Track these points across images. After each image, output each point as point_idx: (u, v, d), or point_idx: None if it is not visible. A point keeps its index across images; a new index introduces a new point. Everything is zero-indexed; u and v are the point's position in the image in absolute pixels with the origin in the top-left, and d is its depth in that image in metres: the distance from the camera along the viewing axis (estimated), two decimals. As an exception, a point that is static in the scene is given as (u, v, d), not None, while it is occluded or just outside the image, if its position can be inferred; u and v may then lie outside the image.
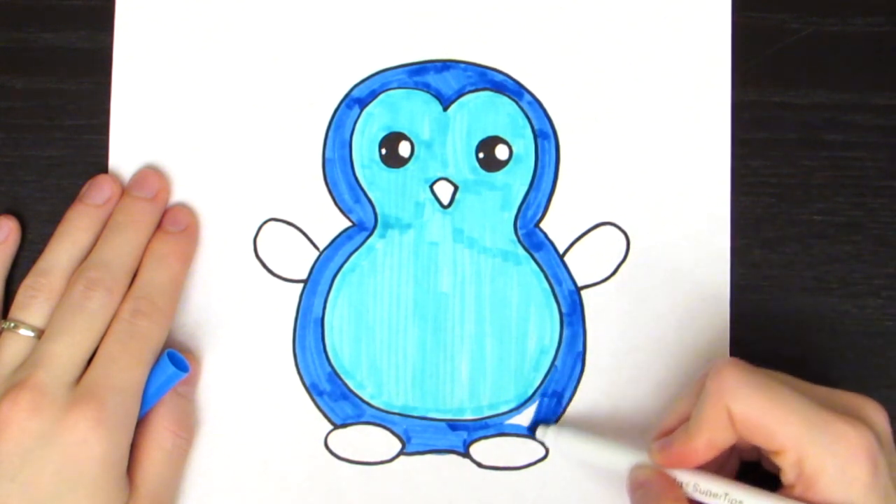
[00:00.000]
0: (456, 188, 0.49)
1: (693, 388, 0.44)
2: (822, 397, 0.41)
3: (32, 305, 0.46)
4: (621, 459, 0.45)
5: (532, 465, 0.49)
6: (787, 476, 0.41)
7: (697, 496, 0.43)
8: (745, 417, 0.41)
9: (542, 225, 0.49)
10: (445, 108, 0.49)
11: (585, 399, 0.49)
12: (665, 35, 0.49)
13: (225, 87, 0.50)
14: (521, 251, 0.49)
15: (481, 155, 0.49)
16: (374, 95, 0.49)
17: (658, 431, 0.45)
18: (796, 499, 0.41)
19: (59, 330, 0.45)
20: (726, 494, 0.42)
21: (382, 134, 0.49)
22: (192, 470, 0.49)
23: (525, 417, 0.49)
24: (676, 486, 0.43)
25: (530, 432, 0.48)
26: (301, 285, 0.49)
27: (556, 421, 0.49)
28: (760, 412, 0.40)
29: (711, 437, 0.42)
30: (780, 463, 0.41)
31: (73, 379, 0.44)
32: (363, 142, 0.49)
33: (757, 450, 0.44)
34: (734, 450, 0.45)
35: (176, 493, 0.48)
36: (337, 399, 0.49)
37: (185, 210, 0.49)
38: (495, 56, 0.50)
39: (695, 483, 0.43)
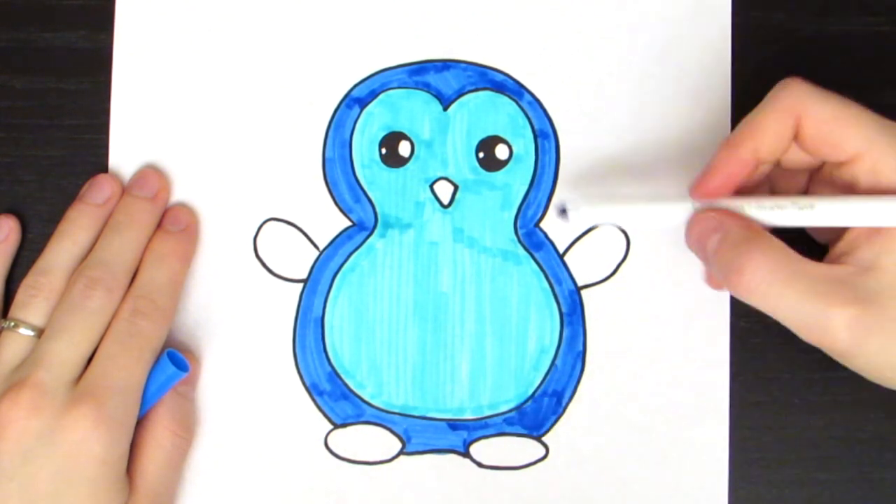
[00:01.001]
0: (456, 188, 0.49)
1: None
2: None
3: (32, 304, 0.46)
4: (672, 213, 0.43)
5: (532, 465, 0.49)
6: (860, 188, 0.40)
7: (763, 215, 0.41)
8: (818, 123, 0.40)
9: (542, 225, 0.49)
10: (445, 108, 0.49)
11: (585, 399, 0.49)
12: (665, 35, 0.49)
13: (225, 86, 0.50)
14: (521, 251, 0.49)
15: (481, 155, 0.49)
16: (374, 95, 0.49)
17: (696, 181, 0.43)
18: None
19: (59, 329, 0.45)
20: (793, 203, 0.41)
21: (382, 134, 0.49)
22: (192, 470, 0.49)
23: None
24: (751, 220, 0.41)
25: (563, 215, 0.43)
26: (301, 285, 0.49)
27: (558, 418, 0.49)
28: (837, 118, 0.40)
29: (764, 140, 0.41)
30: (853, 172, 0.40)
31: (72, 378, 0.44)
32: (363, 141, 0.49)
33: (800, 176, 0.44)
34: (766, 180, 0.45)
35: (176, 493, 0.48)
36: (337, 399, 0.49)
37: (185, 210, 0.49)
38: (495, 56, 0.50)
39: (757, 203, 0.41)
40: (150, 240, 0.48)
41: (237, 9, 0.50)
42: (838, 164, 0.41)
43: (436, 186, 0.49)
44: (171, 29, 0.50)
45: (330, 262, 0.49)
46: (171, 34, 0.50)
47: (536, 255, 0.49)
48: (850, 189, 0.42)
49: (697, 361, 0.48)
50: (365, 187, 0.49)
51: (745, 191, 0.43)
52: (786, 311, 0.40)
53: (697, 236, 0.42)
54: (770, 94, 0.42)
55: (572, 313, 0.49)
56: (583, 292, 0.49)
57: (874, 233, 0.40)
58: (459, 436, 0.49)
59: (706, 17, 0.49)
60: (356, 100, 0.49)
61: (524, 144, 0.49)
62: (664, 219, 0.43)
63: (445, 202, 0.49)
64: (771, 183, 0.46)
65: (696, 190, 0.43)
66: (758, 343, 0.49)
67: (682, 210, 0.43)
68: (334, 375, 0.49)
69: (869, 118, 0.40)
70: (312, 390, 0.49)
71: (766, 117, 0.41)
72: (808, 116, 0.40)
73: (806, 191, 0.45)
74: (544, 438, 0.49)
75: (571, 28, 0.50)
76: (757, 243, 0.40)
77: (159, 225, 0.48)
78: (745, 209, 0.42)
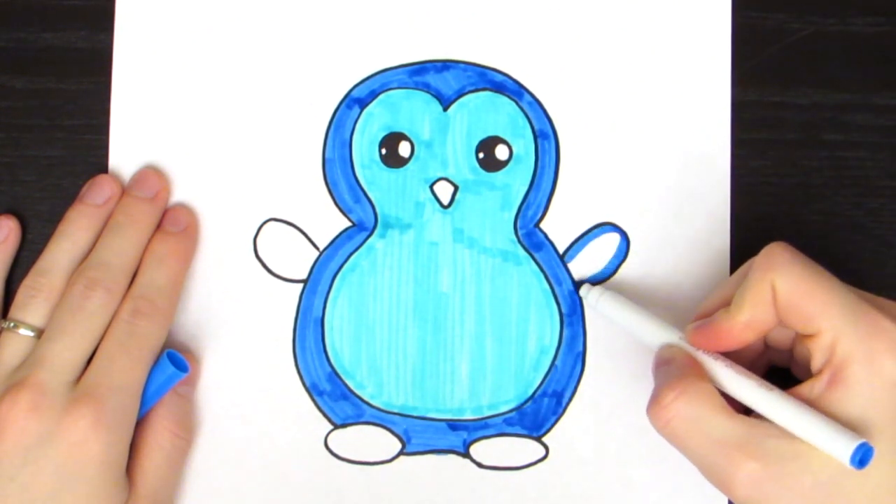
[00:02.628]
0: (456, 188, 0.49)
1: (737, 274, 0.44)
2: (867, 297, 0.41)
3: (32, 305, 0.46)
4: (655, 335, 0.45)
5: (532, 465, 0.49)
6: (816, 361, 0.40)
7: (723, 384, 0.42)
8: (788, 294, 0.40)
9: (542, 225, 0.49)
10: (445, 108, 0.49)
11: (585, 399, 0.49)
12: (665, 35, 0.49)
13: (225, 87, 0.50)
14: (521, 251, 0.49)
15: (481, 155, 0.49)
16: (374, 95, 0.49)
17: (697, 314, 0.44)
18: (817, 396, 0.40)
19: (59, 330, 0.45)
20: (758, 382, 0.41)
21: (382, 134, 0.49)
22: (192, 470, 0.49)
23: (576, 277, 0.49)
24: (701, 366, 0.42)
25: (576, 289, 0.48)
26: (301, 285, 0.49)
27: (558, 418, 0.49)
28: (804, 291, 0.40)
29: (752, 316, 0.41)
30: (811, 347, 0.40)
31: (72, 379, 0.44)
32: (363, 142, 0.49)
33: (788, 353, 0.44)
34: (765, 353, 0.45)
35: (175, 493, 0.48)
36: (337, 399, 0.49)
37: (185, 210, 0.49)
38: (495, 56, 0.50)
39: (722, 371, 0.42)
40: (149, 240, 0.48)
41: (237, 9, 0.50)
42: (804, 337, 0.41)
43: (436, 187, 0.49)
44: (171, 29, 0.50)
45: (330, 262, 0.49)
46: (171, 34, 0.50)
47: (536, 255, 0.49)
48: (804, 362, 0.42)
49: (697, 361, 0.48)
50: (365, 187, 0.49)
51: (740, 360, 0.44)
52: (692, 454, 0.41)
53: (655, 363, 0.44)
54: (755, 260, 0.42)
55: (572, 313, 0.49)
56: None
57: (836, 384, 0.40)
58: (459, 436, 0.49)
59: (706, 17, 0.49)
60: (356, 100, 0.49)
61: (524, 145, 0.49)
62: (652, 338, 0.45)
63: (445, 202, 0.49)
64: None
65: (689, 335, 0.44)
66: (758, 343, 0.49)
67: (667, 336, 0.45)
68: (334, 376, 0.49)
69: (841, 299, 0.40)
70: (312, 390, 0.49)
71: (751, 288, 0.41)
72: (781, 288, 0.40)
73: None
74: (544, 439, 0.49)
75: (571, 28, 0.50)
76: (686, 384, 0.41)
77: (159, 225, 0.48)
78: (709, 363, 0.43)
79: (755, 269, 0.41)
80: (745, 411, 0.42)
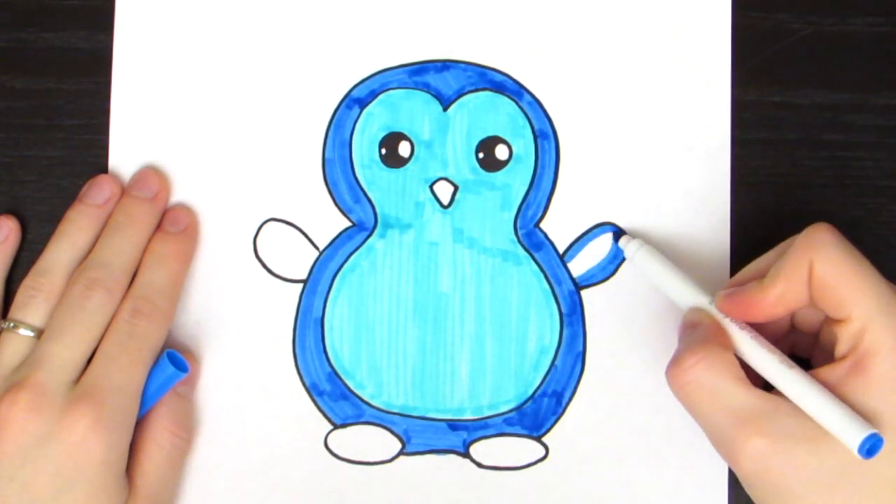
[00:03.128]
0: (456, 188, 0.49)
1: (777, 249, 0.44)
2: None
3: (32, 305, 0.46)
4: (686, 296, 0.45)
5: (532, 465, 0.49)
6: (841, 347, 0.40)
7: (745, 354, 0.42)
8: (825, 275, 0.40)
9: (542, 225, 0.49)
10: (445, 108, 0.49)
11: (585, 399, 0.49)
12: (665, 35, 0.49)
13: (225, 87, 0.50)
14: (521, 251, 0.49)
15: (481, 155, 0.49)
16: (374, 95, 0.49)
17: (730, 282, 0.44)
18: (836, 380, 0.40)
19: (59, 330, 0.45)
20: (781, 358, 0.41)
21: (382, 134, 0.49)
22: (192, 470, 0.49)
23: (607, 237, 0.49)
24: (726, 335, 0.43)
25: (616, 239, 0.48)
26: (301, 285, 0.49)
27: (558, 418, 0.49)
28: (841, 274, 0.40)
29: (785, 291, 0.41)
30: (839, 332, 0.40)
31: (72, 379, 0.44)
32: (363, 142, 0.49)
33: (812, 338, 0.44)
34: (789, 335, 0.45)
35: (175, 493, 0.48)
36: (337, 399, 0.49)
37: (185, 210, 0.49)
38: (495, 56, 0.50)
39: (746, 341, 0.42)
40: (149, 240, 0.48)
41: (237, 9, 0.50)
42: (834, 321, 0.41)
43: (436, 187, 0.49)
44: (171, 29, 0.50)
45: (330, 262, 0.49)
46: (171, 34, 0.50)
47: (536, 255, 0.49)
48: (829, 347, 0.42)
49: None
50: (365, 188, 0.49)
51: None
52: (703, 420, 0.42)
53: (681, 325, 0.44)
54: (797, 238, 0.42)
55: (572, 313, 0.49)
56: (583, 292, 0.49)
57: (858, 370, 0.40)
58: (459, 436, 0.49)
59: (706, 17, 0.49)
60: (356, 100, 0.49)
61: (524, 145, 0.49)
62: (682, 299, 0.45)
63: (445, 202, 0.49)
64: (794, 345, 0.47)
65: (719, 300, 0.43)
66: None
67: (697, 299, 0.45)
68: (334, 376, 0.49)
69: (876, 287, 0.40)
70: (312, 390, 0.49)
71: (788, 263, 0.41)
72: (818, 267, 0.40)
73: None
74: (544, 438, 0.49)
75: (571, 28, 0.50)
76: (708, 350, 0.41)
77: (159, 226, 0.48)
78: (735, 332, 0.43)
79: (796, 245, 0.41)
80: (765, 387, 0.41)
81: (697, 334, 0.42)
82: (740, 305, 0.42)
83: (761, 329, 0.43)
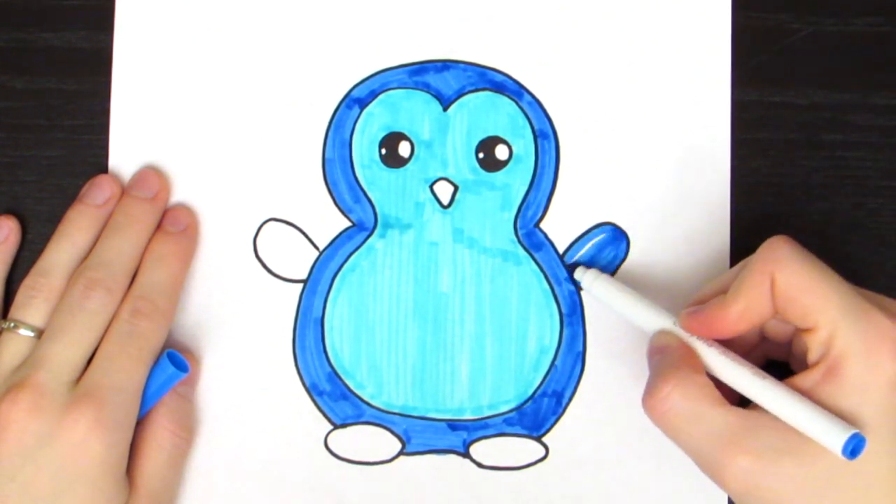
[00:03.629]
0: (456, 188, 0.49)
1: (738, 266, 0.44)
2: (866, 294, 0.41)
3: (32, 305, 0.46)
4: (649, 320, 0.45)
5: (532, 465, 0.49)
6: (812, 355, 0.41)
7: (717, 372, 0.42)
8: (787, 287, 0.40)
9: (542, 225, 0.49)
10: (445, 108, 0.49)
11: (585, 399, 0.49)
12: (665, 35, 0.49)
13: (225, 87, 0.50)
14: (521, 251, 0.49)
15: (481, 155, 0.49)
16: (374, 95, 0.49)
17: (693, 300, 0.44)
18: (811, 387, 0.40)
19: (59, 330, 0.45)
20: (751, 369, 0.41)
21: (382, 134, 0.49)
22: (192, 470, 0.49)
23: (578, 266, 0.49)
24: (696, 355, 0.43)
25: (570, 273, 0.48)
26: (301, 285, 0.49)
27: (558, 418, 0.49)
28: (803, 285, 0.40)
29: (747, 306, 0.41)
30: (809, 342, 0.41)
31: (72, 379, 0.44)
32: (363, 142, 0.49)
33: (786, 347, 0.44)
34: (761, 345, 0.45)
35: (176, 493, 0.48)
36: (337, 399, 0.49)
37: (185, 210, 0.49)
38: (495, 56, 0.50)
39: (715, 358, 0.42)
40: (149, 240, 0.48)
41: (237, 9, 0.50)
42: (802, 331, 0.41)
43: (436, 187, 0.49)
44: (171, 29, 0.50)
45: (330, 262, 0.49)
46: (171, 34, 0.50)
47: (536, 255, 0.49)
48: (802, 355, 0.42)
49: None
50: (365, 188, 0.49)
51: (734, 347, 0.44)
52: (685, 445, 0.42)
53: (649, 350, 0.44)
54: (756, 252, 0.42)
55: (572, 313, 0.49)
56: (583, 292, 0.49)
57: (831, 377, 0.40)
58: (459, 436, 0.49)
59: (706, 17, 0.49)
60: (356, 100, 0.49)
61: (524, 145, 0.49)
62: (646, 323, 0.45)
63: (445, 202, 0.49)
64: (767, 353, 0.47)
65: (682, 320, 0.44)
66: (758, 343, 0.49)
67: (661, 322, 0.44)
68: (334, 376, 0.49)
69: (840, 294, 0.40)
70: (312, 390, 0.49)
71: (749, 279, 0.41)
72: (780, 280, 0.40)
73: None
74: (544, 438, 0.49)
75: (571, 28, 0.50)
76: (680, 377, 0.41)
77: (159, 226, 0.48)
78: (703, 350, 0.42)
79: (755, 259, 0.41)
80: (740, 400, 0.42)
81: (667, 360, 0.42)
82: (704, 323, 0.42)
83: (730, 343, 0.43)
